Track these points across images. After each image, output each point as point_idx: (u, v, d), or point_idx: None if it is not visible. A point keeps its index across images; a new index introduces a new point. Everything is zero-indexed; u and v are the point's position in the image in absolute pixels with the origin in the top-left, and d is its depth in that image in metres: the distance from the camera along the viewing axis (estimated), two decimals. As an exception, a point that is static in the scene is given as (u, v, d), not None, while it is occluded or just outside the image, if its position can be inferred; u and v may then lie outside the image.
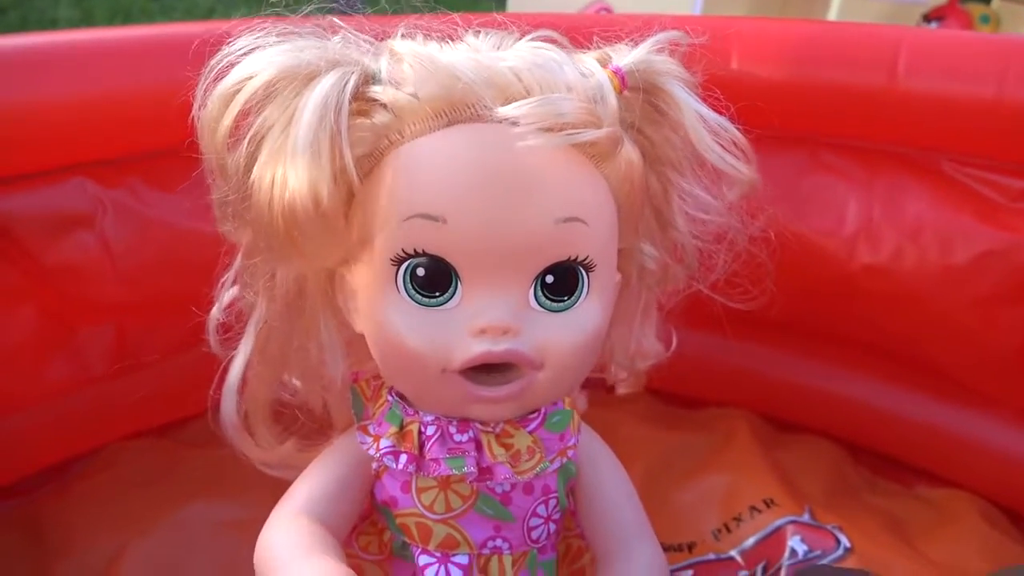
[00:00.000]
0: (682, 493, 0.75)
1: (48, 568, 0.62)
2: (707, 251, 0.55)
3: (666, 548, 0.69)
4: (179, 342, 0.59)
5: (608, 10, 1.54)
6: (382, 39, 0.46)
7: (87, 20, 2.35)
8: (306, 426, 0.54)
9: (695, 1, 1.66)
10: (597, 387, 0.73)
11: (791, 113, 0.75)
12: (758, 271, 0.56)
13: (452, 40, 0.47)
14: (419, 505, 0.48)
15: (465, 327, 0.42)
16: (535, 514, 0.49)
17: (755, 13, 2.40)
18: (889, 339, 0.78)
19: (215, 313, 0.52)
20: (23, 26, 2.31)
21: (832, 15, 2.03)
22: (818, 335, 0.82)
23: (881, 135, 0.75)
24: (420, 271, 0.42)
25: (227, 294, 0.52)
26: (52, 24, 2.33)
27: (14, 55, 0.59)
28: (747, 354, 0.85)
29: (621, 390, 0.67)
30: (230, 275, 0.51)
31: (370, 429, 0.49)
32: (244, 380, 0.51)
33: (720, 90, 0.72)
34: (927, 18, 2.22)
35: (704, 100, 0.48)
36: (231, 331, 0.51)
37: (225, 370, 0.51)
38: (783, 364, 0.85)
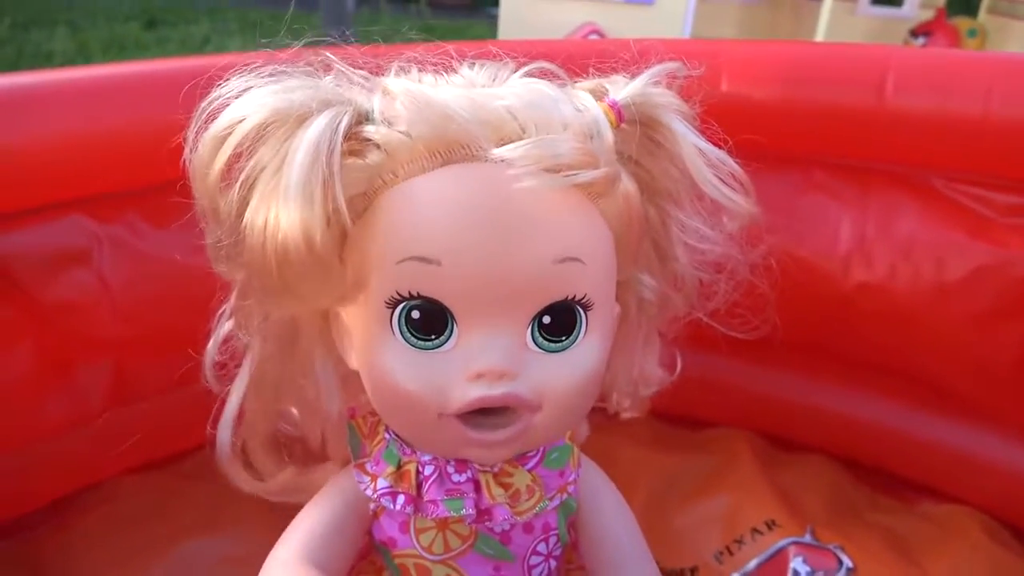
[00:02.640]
0: (684, 516, 0.74)
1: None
2: (707, 280, 0.55)
3: (669, 572, 0.69)
4: (178, 377, 0.58)
5: (598, 32, 1.54)
6: (377, 71, 0.46)
7: (82, 52, 2.36)
8: (305, 450, 0.54)
9: (685, 19, 1.67)
10: (597, 410, 0.73)
11: (782, 134, 0.75)
12: (759, 300, 0.56)
13: (447, 72, 0.47)
14: (418, 546, 0.47)
15: (462, 370, 0.42)
16: (535, 552, 0.49)
17: (744, 29, 2.42)
18: (887, 356, 0.78)
19: (211, 350, 0.51)
20: (19, 59, 2.31)
21: (820, 30, 2.04)
22: (816, 354, 0.82)
23: (872, 154, 0.75)
24: (415, 314, 0.42)
25: (222, 331, 0.51)
26: (48, 57, 2.34)
27: (9, 93, 0.59)
28: (746, 374, 0.85)
29: (624, 416, 0.67)
30: (225, 312, 0.51)
31: (367, 467, 0.49)
32: (241, 413, 0.51)
33: (710, 113, 0.73)
34: (914, 33, 2.23)
35: (702, 132, 0.48)
36: (227, 368, 0.51)
37: (221, 407, 0.50)
38: (782, 383, 0.85)
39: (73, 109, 0.61)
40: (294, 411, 0.53)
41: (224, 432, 0.50)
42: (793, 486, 0.79)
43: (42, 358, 0.63)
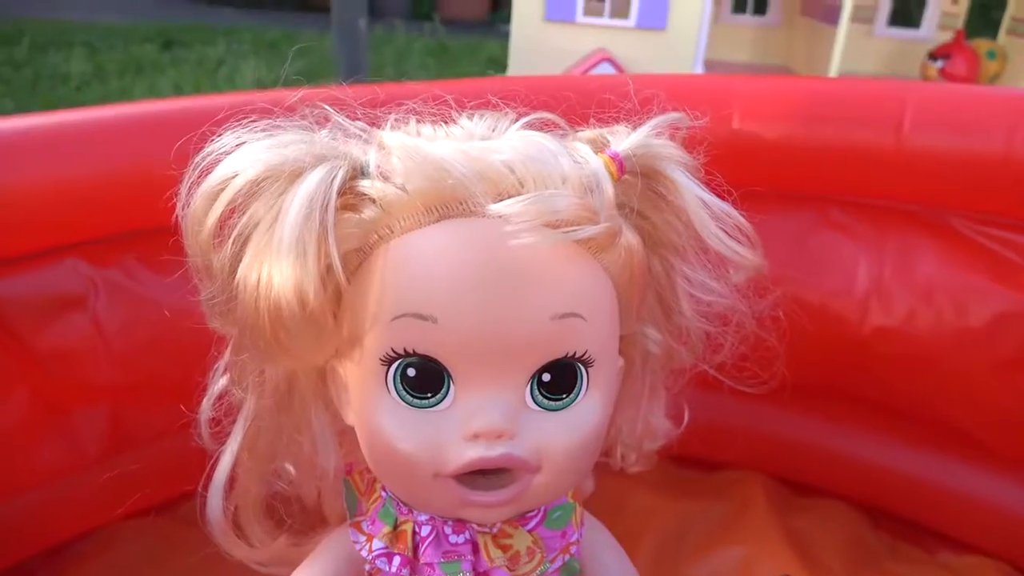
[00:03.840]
0: (695, 568, 0.72)
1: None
2: (713, 333, 0.53)
3: (679, 629, 0.67)
4: (175, 422, 0.57)
5: (610, 60, 1.53)
6: (375, 122, 0.45)
7: (99, 74, 2.39)
8: (300, 520, 0.52)
9: (698, 44, 1.65)
10: (605, 455, 0.71)
11: (796, 172, 0.73)
12: (768, 353, 0.54)
13: (446, 123, 0.46)
14: (415, 609, 0.46)
15: (459, 430, 0.40)
16: (537, 615, 0.47)
17: (759, 52, 2.41)
18: (906, 402, 0.76)
19: (205, 406, 0.50)
20: (36, 80, 2.34)
21: (836, 52, 2.03)
22: (834, 397, 0.80)
23: (889, 192, 0.73)
24: (411, 371, 0.41)
25: (216, 386, 0.50)
26: (65, 79, 2.37)
27: (5, 135, 0.59)
28: (761, 416, 0.83)
29: (632, 470, 0.64)
30: (220, 367, 0.50)
31: (363, 527, 0.47)
32: (233, 476, 0.49)
33: (721, 149, 0.71)
34: (933, 55, 2.21)
35: (707, 183, 0.47)
36: (222, 424, 0.49)
37: (213, 467, 0.49)
38: (799, 426, 0.82)
39: (70, 152, 0.60)
40: (290, 468, 0.52)
41: (215, 495, 0.49)
42: (809, 533, 0.77)
43: (37, 405, 0.62)
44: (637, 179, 0.45)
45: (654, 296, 0.49)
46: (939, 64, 2.15)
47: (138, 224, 0.64)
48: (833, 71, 2.02)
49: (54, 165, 0.60)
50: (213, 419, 0.49)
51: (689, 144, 0.48)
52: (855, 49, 2.11)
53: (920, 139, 0.68)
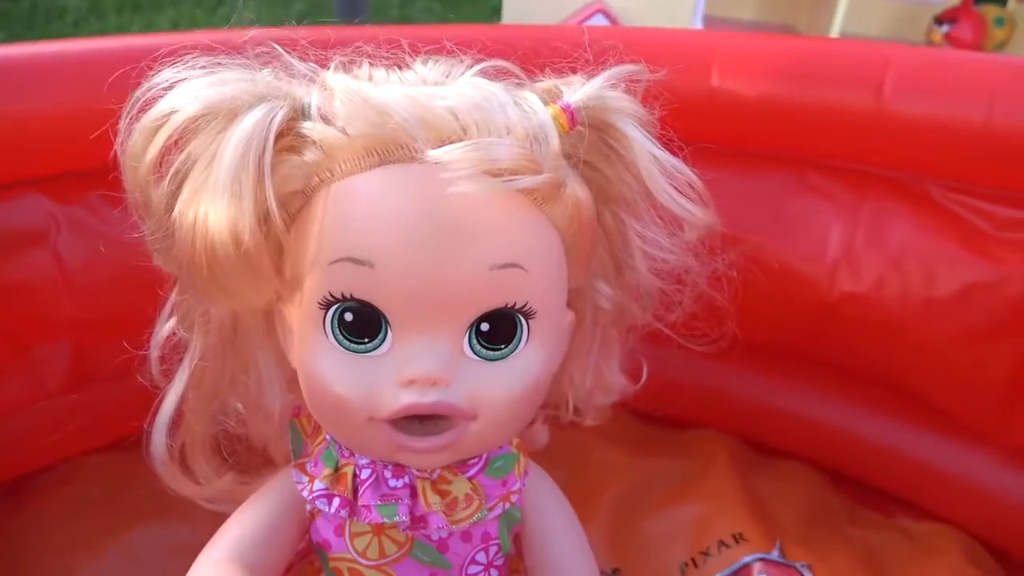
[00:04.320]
0: (651, 524, 0.73)
1: (-1, 588, 0.61)
2: (668, 290, 0.53)
3: (629, 583, 0.68)
4: (138, 359, 0.57)
5: (605, 13, 1.50)
6: (325, 63, 0.44)
7: (95, 10, 2.35)
8: (247, 459, 0.53)
9: (697, 2, 1.62)
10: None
11: (775, 132, 0.72)
12: (719, 312, 0.54)
13: (400, 68, 0.46)
14: (352, 550, 0.46)
15: (394, 376, 0.41)
16: (474, 561, 0.48)
17: (763, 11, 2.35)
18: (872, 368, 0.75)
19: (155, 344, 0.50)
20: (33, 14, 2.31)
21: (839, 17, 1.98)
22: (801, 360, 0.80)
23: (868, 157, 0.72)
24: (348, 316, 0.41)
25: (165, 325, 0.50)
26: (61, 12, 2.33)
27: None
28: (730, 376, 0.83)
29: (587, 423, 0.65)
30: (167, 307, 0.50)
31: (307, 468, 0.48)
32: (180, 414, 0.50)
33: (701, 107, 0.69)
34: (939, 20, 2.15)
35: (660, 140, 0.46)
36: (171, 363, 0.50)
37: (159, 405, 0.49)
38: (767, 388, 0.82)
39: (29, 85, 0.59)
40: (240, 407, 0.52)
41: (159, 432, 0.49)
42: (769, 494, 0.77)
43: (-1, 338, 0.62)
44: (588, 131, 0.44)
45: (605, 251, 0.49)
46: (945, 29, 2.10)
47: (100, 161, 0.63)
48: (835, 32, 1.97)
49: (13, 98, 0.59)
50: (162, 357, 0.50)
51: (661, 100, 0.48)
52: (859, 11, 2.06)
53: (900, 103, 0.67)
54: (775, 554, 0.67)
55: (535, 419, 0.61)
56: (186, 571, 0.52)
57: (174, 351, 0.50)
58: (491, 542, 0.48)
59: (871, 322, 0.71)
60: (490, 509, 0.47)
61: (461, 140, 0.39)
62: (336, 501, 0.45)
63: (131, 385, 0.63)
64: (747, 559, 0.67)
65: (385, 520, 0.44)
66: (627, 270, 0.50)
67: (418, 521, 0.45)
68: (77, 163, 0.63)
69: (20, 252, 0.62)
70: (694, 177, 0.46)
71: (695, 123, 0.49)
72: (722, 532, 0.70)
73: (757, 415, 0.84)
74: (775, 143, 0.74)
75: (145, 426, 0.49)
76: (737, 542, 0.69)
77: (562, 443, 0.63)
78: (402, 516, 0.44)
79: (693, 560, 0.69)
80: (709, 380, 0.83)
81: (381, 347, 0.41)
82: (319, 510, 0.47)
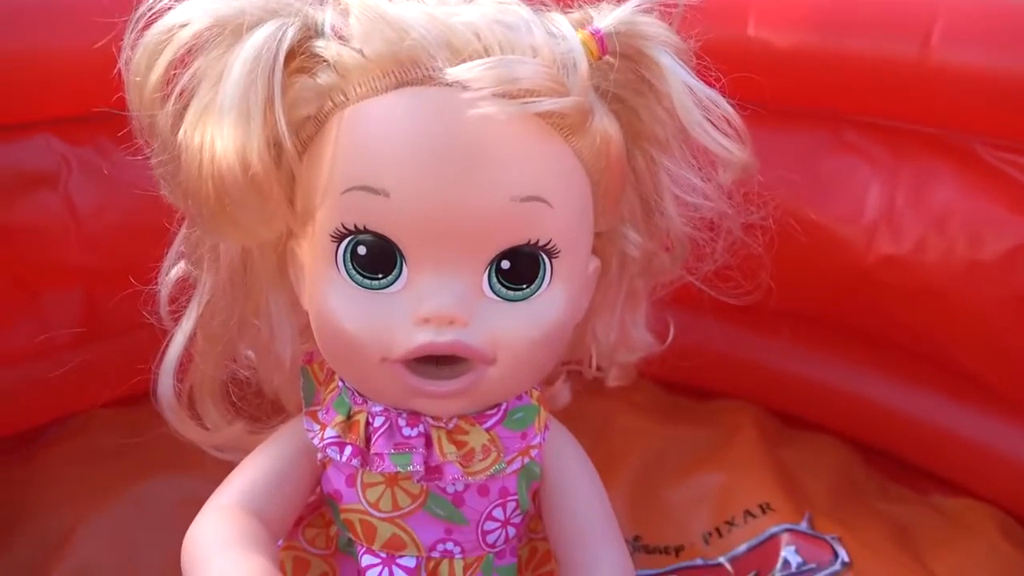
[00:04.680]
0: (675, 492, 0.70)
1: (8, 535, 0.60)
2: (699, 240, 0.50)
3: (652, 550, 0.66)
4: (148, 308, 0.55)
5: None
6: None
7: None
8: (257, 408, 0.51)
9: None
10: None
11: (813, 86, 0.69)
12: (754, 263, 0.51)
13: None
14: (364, 501, 0.44)
15: (409, 314, 0.38)
16: (491, 517, 0.45)
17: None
18: (909, 336, 0.72)
19: (164, 284, 0.48)
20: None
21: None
22: (833, 328, 0.77)
23: (911, 113, 0.68)
24: (361, 250, 0.39)
25: (174, 264, 0.48)
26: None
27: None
28: (759, 345, 0.80)
29: (610, 383, 0.62)
30: (176, 245, 0.48)
31: (319, 415, 0.46)
32: (189, 356, 0.48)
33: (735, 58, 0.66)
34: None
35: (697, 71, 0.43)
36: (179, 303, 0.48)
37: (167, 345, 0.47)
38: (796, 357, 0.79)
39: (43, 26, 0.57)
40: (250, 354, 0.50)
41: (166, 374, 0.47)
42: (797, 467, 0.74)
43: (8, 282, 0.60)
44: (619, 61, 0.41)
45: (635, 194, 0.46)
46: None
47: (111, 104, 0.61)
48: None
49: (23, 37, 0.57)
50: (171, 298, 0.48)
51: (699, 55, 0.45)
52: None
53: (949, 54, 0.63)
54: (804, 525, 0.65)
55: (556, 377, 0.58)
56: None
57: (183, 292, 0.48)
58: (509, 498, 0.46)
59: (910, 287, 0.68)
60: (508, 463, 0.44)
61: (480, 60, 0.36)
62: (348, 450, 0.43)
63: (142, 338, 0.62)
64: (774, 529, 0.64)
65: (399, 469, 0.42)
66: (657, 216, 0.48)
67: (433, 472, 0.43)
68: (88, 105, 0.61)
69: (30, 193, 0.60)
70: (731, 111, 0.43)
71: (728, 76, 0.46)
72: (748, 501, 0.67)
73: (786, 386, 0.81)
74: (812, 98, 0.70)
75: (153, 368, 0.48)
76: (764, 512, 0.66)
77: (585, 410, 0.61)
78: (416, 466, 0.42)
79: (717, 529, 0.66)
80: (737, 349, 0.80)
81: (396, 283, 0.39)
82: (330, 459, 0.45)
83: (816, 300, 0.72)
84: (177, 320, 0.48)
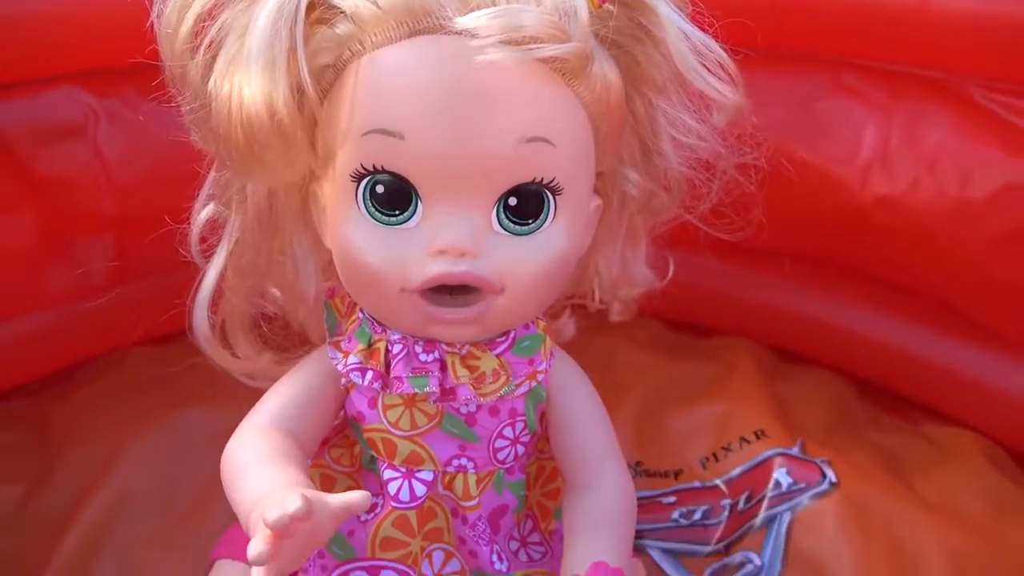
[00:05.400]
0: (675, 421, 0.74)
1: (51, 464, 0.65)
2: (696, 179, 0.53)
3: (652, 474, 0.70)
4: (179, 256, 0.59)
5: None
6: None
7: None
8: (284, 340, 0.55)
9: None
10: (600, 313, 0.72)
11: (809, 28, 0.70)
12: (747, 201, 0.54)
13: None
14: (385, 421, 0.48)
15: (424, 247, 0.42)
16: (501, 435, 0.49)
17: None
18: (901, 274, 0.75)
19: (195, 225, 0.52)
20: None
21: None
22: (829, 266, 0.79)
23: (909, 56, 0.70)
24: (379, 188, 0.42)
25: (205, 206, 0.52)
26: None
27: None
28: (756, 284, 0.83)
29: (613, 317, 0.66)
30: (206, 188, 0.51)
31: (341, 345, 0.50)
32: (220, 291, 0.52)
33: (732, 4, 0.68)
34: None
35: (691, 17, 0.46)
36: (209, 242, 0.51)
37: (200, 282, 0.51)
38: (793, 295, 0.82)
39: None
40: (276, 292, 0.54)
41: (200, 308, 0.51)
42: (793, 398, 0.78)
43: (42, 230, 0.64)
44: (618, 8, 0.44)
45: (634, 136, 0.49)
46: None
47: (140, 56, 0.64)
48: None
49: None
50: (202, 238, 0.51)
51: (694, 2, 0.47)
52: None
53: (948, -2, 0.65)
54: (795, 450, 0.69)
55: (562, 312, 0.62)
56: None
57: (213, 233, 0.51)
58: (518, 418, 0.50)
59: (903, 226, 0.70)
60: (517, 385, 0.48)
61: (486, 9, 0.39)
62: (369, 374, 0.47)
63: (171, 280, 0.66)
64: (767, 453, 0.68)
65: (416, 391, 0.46)
66: (656, 156, 0.50)
67: (447, 393, 0.47)
68: (117, 58, 0.64)
69: (60, 145, 0.63)
70: (724, 56, 0.46)
71: (724, 21, 0.48)
72: (744, 429, 0.71)
73: (783, 322, 0.84)
74: (808, 41, 0.72)
75: (187, 303, 0.51)
76: (758, 438, 0.70)
77: (591, 347, 0.64)
78: (432, 387, 0.46)
79: (714, 455, 0.70)
80: (736, 287, 0.83)
81: (412, 219, 0.42)
82: (353, 384, 0.49)
83: (811, 239, 0.75)
84: (208, 258, 0.52)
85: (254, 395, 0.52)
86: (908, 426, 0.79)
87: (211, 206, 0.51)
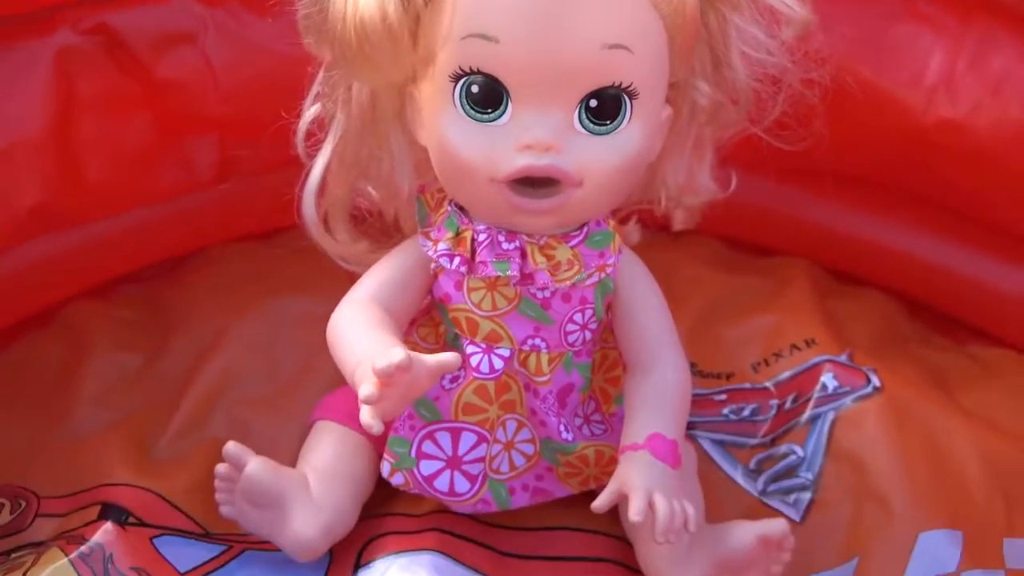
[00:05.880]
0: (729, 330, 0.78)
1: (165, 340, 0.73)
2: (762, 92, 0.57)
3: (705, 375, 0.75)
4: (282, 156, 0.65)
5: None
6: None
7: None
8: (379, 231, 0.61)
9: None
10: (660, 230, 0.77)
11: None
12: (809, 113, 0.57)
13: None
14: (469, 302, 0.54)
15: (512, 142, 0.47)
16: (571, 320, 0.55)
17: None
18: (958, 196, 0.77)
19: (303, 122, 0.58)
20: None
21: None
22: (888, 188, 0.82)
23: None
24: (474, 88, 0.47)
25: (313, 107, 0.58)
26: None
27: None
28: (815, 204, 0.85)
29: (676, 227, 0.70)
30: (315, 88, 0.57)
31: (431, 234, 0.55)
32: (324, 183, 0.58)
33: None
34: None
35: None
36: (316, 138, 0.57)
37: (307, 173, 0.57)
38: (851, 216, 0.84)
39: None
40: (372, 191, 0.60)
41: (308, 196, 0.58)
42: (845, 315, 0.81)
43: (156, 128, 0.71)
44: None
45: (706, 48, 0.53)
46: None
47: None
48: None
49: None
50: (309, 133, 0.57)
51: None
52: None
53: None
54: (843, 357, 0.73)
55: (629, 218, 0.67)
56: (318, 334, 0.62)
57: (319, 129, 0.57)
58: (587, 306, 0.55)
59: (963, 149, 0.72)
60: (588, 275, 0.54)
61: None
62: (457, 259, 0.53)
63: (273, 180, 0.72)
64: (817, 359, 0.72)
65: (499, 274, 0.52)
66: (725, 69, 0.54)
67: (526, 278, 0.52)
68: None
69: (172, 51, 0.69)
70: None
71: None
72: (795, 337, 0.75)
73: (839, 244, 0.86)
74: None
75: (296, 191, 0.58)
76: (808, 346, 0.74)
77: (653, 260, 0.67)
78: (513, 271, 0.52)
79: (765, 360, 0.75)
80: (794, 208, 0.86)
81: (502, 117, 0.47)
82: (442, 268, 0.55)
83: (872, 160, 0.78)
84: (313, 153, 0.58)
85: (344, 286, 0.58)
86: (955, 345, 0.82)
87: (318, 105, 0.57)
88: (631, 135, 0.49)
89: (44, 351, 0.73)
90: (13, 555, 0.54)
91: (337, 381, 0.66)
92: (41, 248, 0.72)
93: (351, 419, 0.58)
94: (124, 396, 0.69)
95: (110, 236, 0.75)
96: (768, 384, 0.73)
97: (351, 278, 0.59)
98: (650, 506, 0.48)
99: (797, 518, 0.62)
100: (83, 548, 0.50)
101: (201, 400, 0.68)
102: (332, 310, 0.55)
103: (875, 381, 0.70)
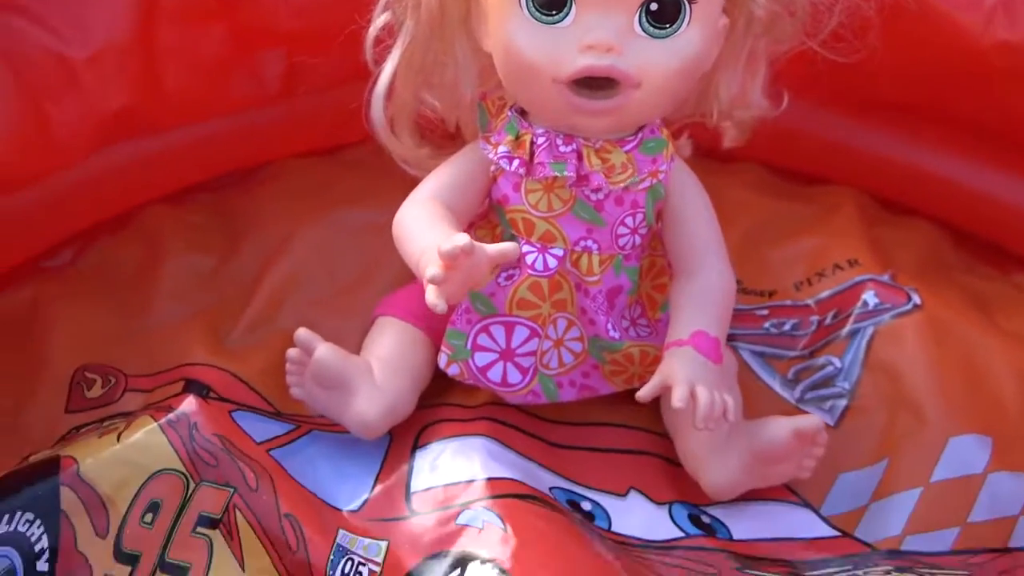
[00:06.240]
0: (774, 251, 0.80)
1: (234, 244, 0.78)
2: (819, 5, 0.58)
3: (749, 292, 0.77)
4: (344, 73, 0.68)
5: None
6: None
7: None
8: (441, 137, 0.64)
9: None
10: (709, 156, 0.78)
11: None
12: (864, 24, 0.58)
13: None
14: (526, 203, 0.57)
15: (575, 43, 0.50)
16: (623, 223, 0.58)
17: None
18: (1014, 123, 0.77)
19: (372, 30, 0.61)
20: None
21: None
22: (941, 114, 0.82)
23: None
24: None
25: (382, 16, 0.60)
26: None
27: None
28: (866, 133, 0.86)
29: (726, 143, 0.72)
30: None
31: (491, 139, 0.58)
32: (392, 88, 0.61)
33: None
34: None
35: None
36: (384, 45, 0.60)
37: (376, 78, 0.60)
38: (901, 145, 0.85)
39: None
40: (435, 102, 0.63)
41: (377, 99, 0.61)
42: (889, 241, 0.82)
43: (230, 40, 0.74)
44: None
45: (764, -43, 0.54)
46: None
47: None
48: None
49: None
50: (378, 40, 0.60)
51: None
52: None
53: None
54: (886, 277, 0.74)
55: (681, 133, 0.69)
56: (377, 241, 0.66)
57: (388, 34, 0.60)
58: (638, 210, 0.58)
59: (1021, 72, 0.72)
60: (641, 180, 0.56)
61: None
62: (516, 161, 0.56)
63: (333, 101, 0.74)
64: (859, 278, 0.74)
65: (556, 175, 0.55)
66: (782, -21, 0.55)
67: (582, 180, 0.55)
68: None
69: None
70: None
71: None
72: (838, 257, 0.77)
73: (887, 172, 0.87)
74: None
75: (365, 95, 0.61)
76: (851, 265, 0.76)
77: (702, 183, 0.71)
78: (570, 172, 0.55)
79: (808, 279, 0.77)
80: (844, 136, 0.86)
81: (566, 19, 0.50)
82: (501, 170, 0.58)
83: (926, 84, 0.78)
84: (380, 60, 0.61)
85: (401, 199, 0.61)
86: (1000, 275, 0.83)
87: (388, 13, 0.59)
88: (689, 39, 0.51)
89: (123, 251, 0.78)
90: (106, 422, 0.60)
91: (395, 284, 0.71)
92: (121, 154, 0.76)
93: (411, 315, 0.63)
94: (199, 293, 0.74)
95: (184, 145, 0.80)
96: (810, 301, 0.75)
97: (408, 191, 0.61)
98: (692, 395, 0.51)
99: (832, 422, 0.65)
100: (170, 416, 0.55)
101: (269, 298, 0.73)
102: (390, 220, 0.59)
103: (916, 299, 0.71)
